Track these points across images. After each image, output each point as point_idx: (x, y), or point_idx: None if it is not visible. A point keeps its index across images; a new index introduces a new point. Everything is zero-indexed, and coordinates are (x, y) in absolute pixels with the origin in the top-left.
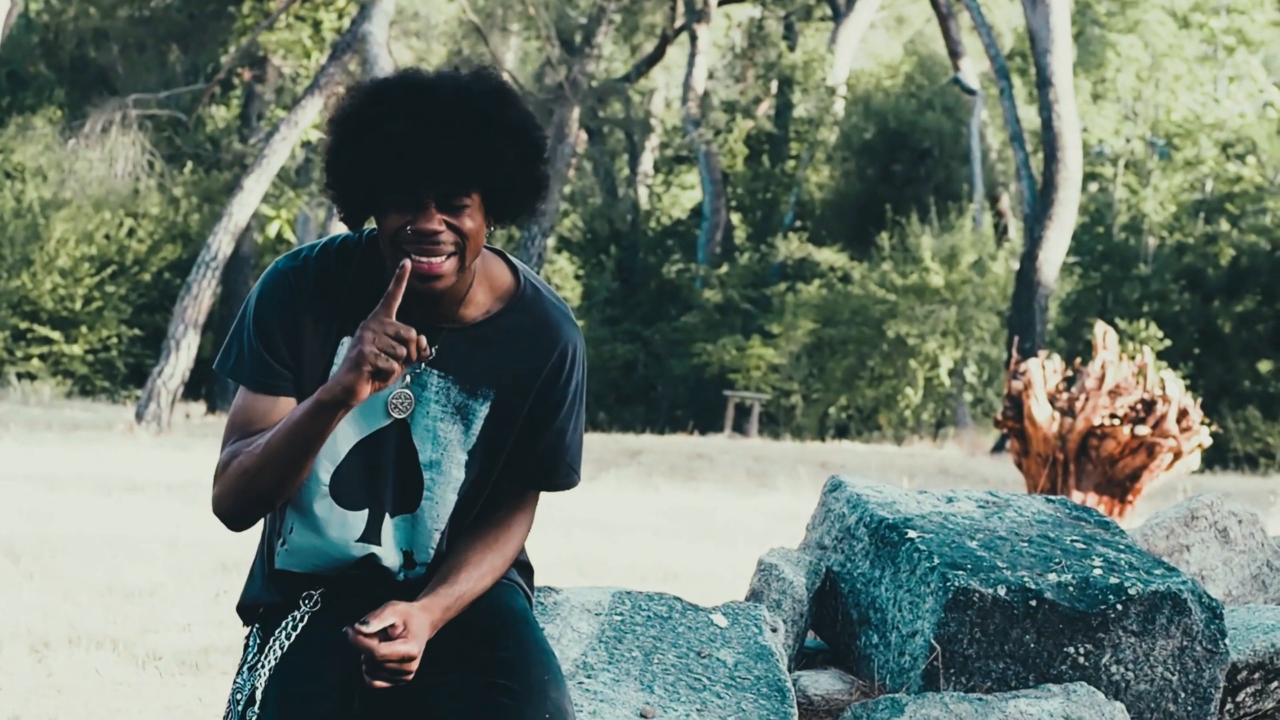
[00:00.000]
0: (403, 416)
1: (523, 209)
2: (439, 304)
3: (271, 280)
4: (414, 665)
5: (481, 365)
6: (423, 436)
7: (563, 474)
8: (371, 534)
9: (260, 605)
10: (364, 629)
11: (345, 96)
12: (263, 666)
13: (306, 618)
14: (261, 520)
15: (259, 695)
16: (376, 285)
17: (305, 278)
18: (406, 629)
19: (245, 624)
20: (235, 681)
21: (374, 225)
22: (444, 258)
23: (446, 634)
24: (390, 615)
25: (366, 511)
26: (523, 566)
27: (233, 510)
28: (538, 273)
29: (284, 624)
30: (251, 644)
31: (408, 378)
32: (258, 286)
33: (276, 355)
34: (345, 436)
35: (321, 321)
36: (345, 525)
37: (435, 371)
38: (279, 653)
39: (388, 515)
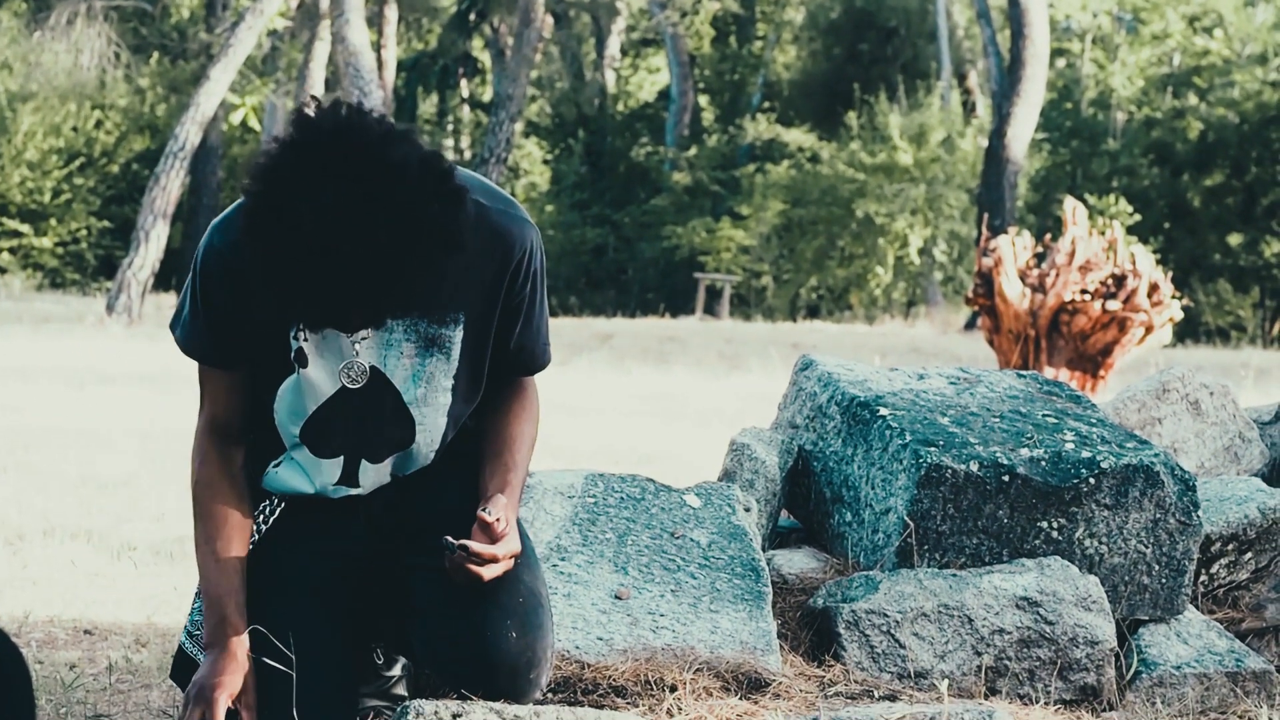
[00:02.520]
0: (355, 388)
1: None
2: None
3: (211, 262)
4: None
5: (443, 295)
6: (402, 378)
7: (541, 357)
8: (349, 478)
9: None
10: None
11: (254, 194)
12: None
13: (284, 503)
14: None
15: None
16: None
17: (242, 257)
18: (506, 527)
19: None
20: None
21: None
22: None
23: (423, 518)
24: (497, 510)
25: (342, 459)
26: None
27: None
28: (505, 158)
29: (261, 508)
30: None
31: (356, 347)
32: (199, 263)
33: (224, 331)
34: (315, 394)
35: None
36: (321, 471)
37: None
38: (255, 537)
39: (366, 461)
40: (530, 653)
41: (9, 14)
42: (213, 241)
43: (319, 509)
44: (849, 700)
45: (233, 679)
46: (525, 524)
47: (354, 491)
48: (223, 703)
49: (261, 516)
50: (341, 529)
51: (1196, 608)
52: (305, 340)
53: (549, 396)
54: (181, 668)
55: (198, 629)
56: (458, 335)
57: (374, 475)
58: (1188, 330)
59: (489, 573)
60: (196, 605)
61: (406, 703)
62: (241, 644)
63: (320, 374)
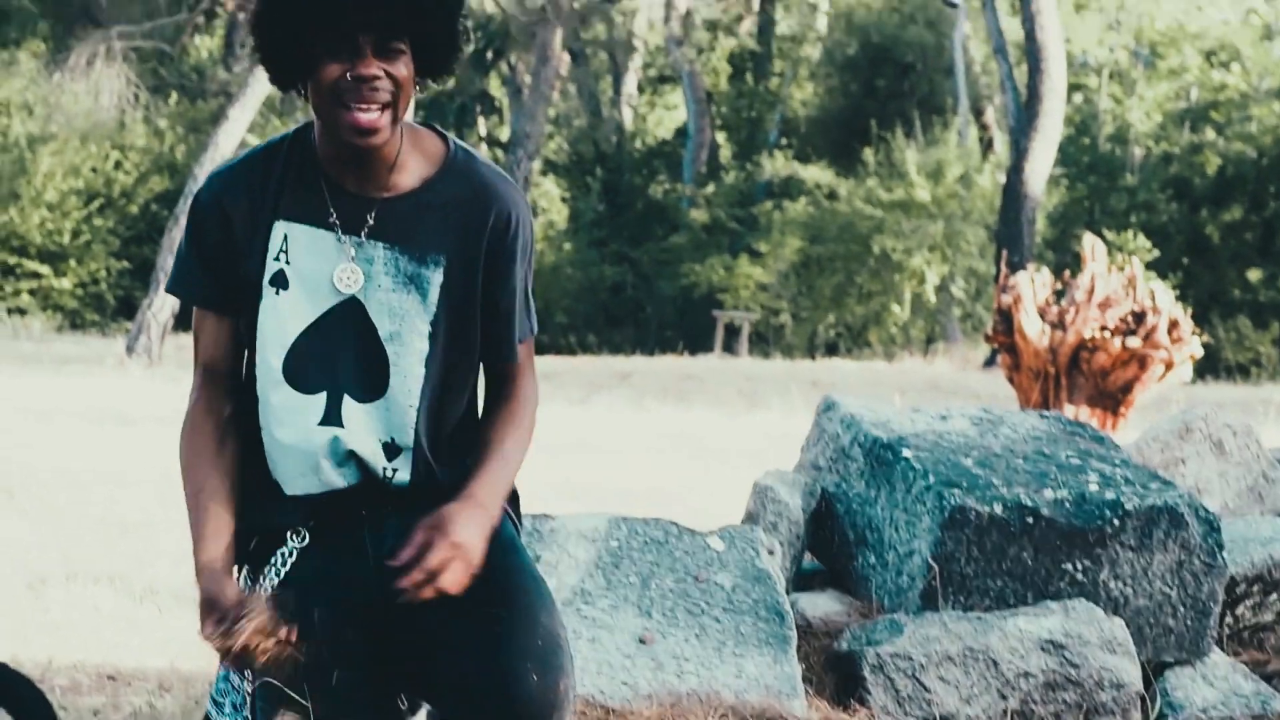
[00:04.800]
0: (350, 292)
1: (445, 64)
2: (371, 170)
3: (203, 188)
4: (473, 553)
5: (426, 231)
6: (378, 310)
7: (523, 328)
8: (332, 416)
9: (245, 531)
10: (396, 564)
11: None
12: None
13: (294, 553)
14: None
15: None
16: (306, 169)
17: (234, 177)
18: (436, 529)
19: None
20: None
21: (298, 124)
22: (380, 109)
23: None
24: (417, 539)
25: (325, 394)
26: (509, 494)
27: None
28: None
29: (272, 561)
30: (243, 585)
31: (352, 251)
32: (192, 204)
33: (207, 260)
34: (295, 319)
35: (254, 212)
36: (304, 410)
37: (380, 243)
38: (273, 581)
39: (349, 398)
40: (552, 694)
41: (28, 55)
42: (207, 179)
43: (327, 558)
44: None
45: (232, 589)
46: (549, 567)
47: (339, 432)
48: (241, 609)
49: (273, 569)
50: (351, 577)
51: (1222, 649)
52: (287, 263)
53: (568, 437)
54: None
55: (222, 696)
56: (436, 278)
57: (360, 422)
58: (1208, 366)
59: (448, 582)
60: (221, 674)
61: None
62: (233, 580)
63: (299, 297)
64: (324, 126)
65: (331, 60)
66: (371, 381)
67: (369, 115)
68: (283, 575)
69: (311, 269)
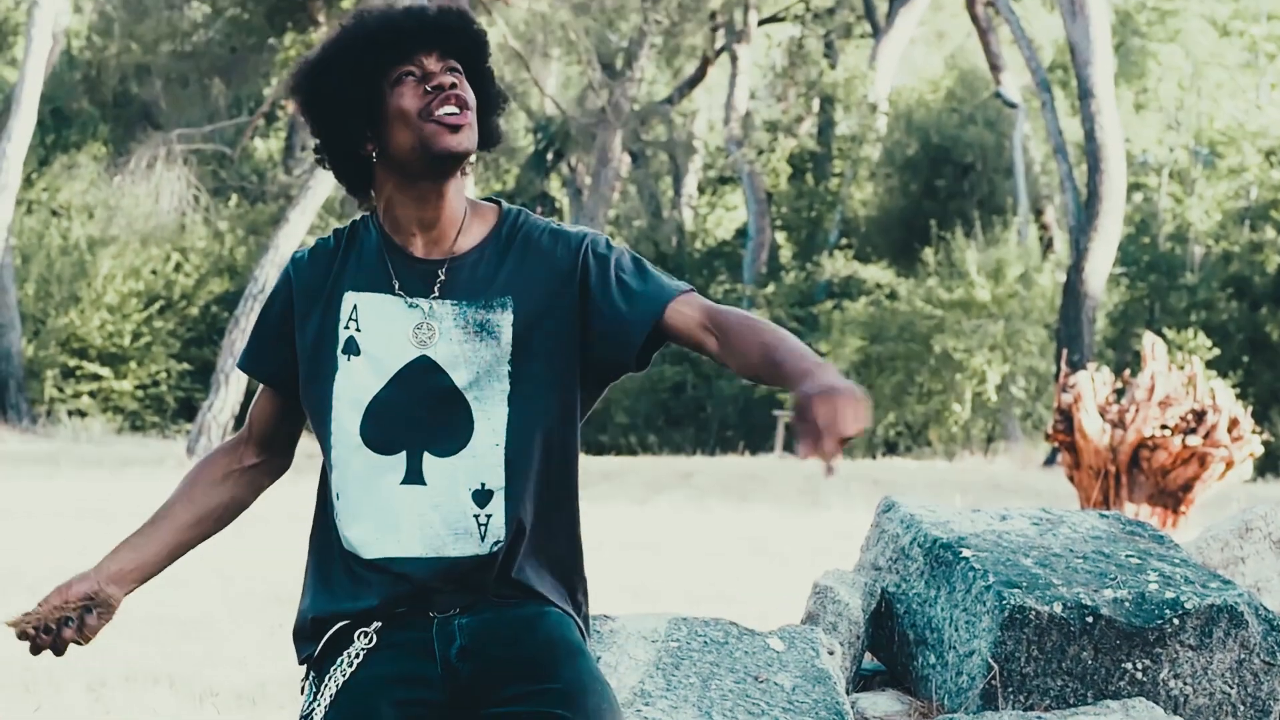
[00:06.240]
0: (424, 350)
1: (491, 122)
2: (439, 231)
3: (284, 272)
4: (854, 391)
5: (488, 281)
6: (453, 363)
7: (674, 286)
8: (413, 474)
9: (314, 620)
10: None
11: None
12: (318, 706)
13: (361, 654)
14: (312, 523)
15: None
16: (371, 244)
17: (302, 261)
18: (811, 392)
19: (300, 656)
20: None
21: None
22: (465, 109)
23: (500, 667)
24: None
25: (404, 453)
26: (577, 607)
27: None
28: None
29: (339, 661)
30: (309, 692)
31: (422, 311)
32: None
33: (268, 335)
34: (369, 384)
35: (319, 286)
36: (385, 472)
37: (448, 301)
38: (334, 691)
39: (429, 454)
40: None
41: (88, 157)
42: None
43: (394, 660)
44: None
45: (79, 587)
46: (609, 668)
47: (421, 491)
48: (53, 599)
49: (340, 669)
50: (419, 677)
51: None
52: (358, 330)
53: (629, 537)
54: None
55: None
56: (505, 318)
57: (445, 477)
58: (1268, 464)
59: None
60: None
61: None
62: (103, 575)
63: (371, 361)
64: (411, 155)
65: (402, 88)
66: (453, 434)
67: (457, 115)
68: (348, 675)
69: (383, 333)
